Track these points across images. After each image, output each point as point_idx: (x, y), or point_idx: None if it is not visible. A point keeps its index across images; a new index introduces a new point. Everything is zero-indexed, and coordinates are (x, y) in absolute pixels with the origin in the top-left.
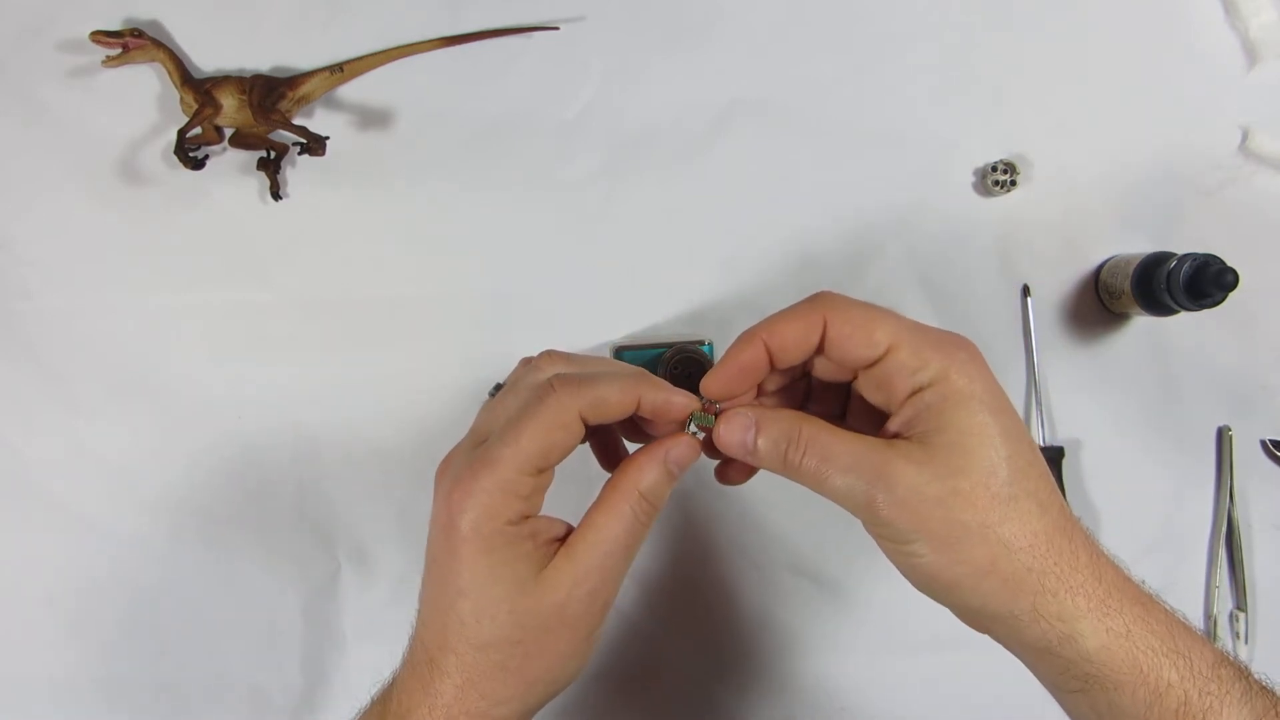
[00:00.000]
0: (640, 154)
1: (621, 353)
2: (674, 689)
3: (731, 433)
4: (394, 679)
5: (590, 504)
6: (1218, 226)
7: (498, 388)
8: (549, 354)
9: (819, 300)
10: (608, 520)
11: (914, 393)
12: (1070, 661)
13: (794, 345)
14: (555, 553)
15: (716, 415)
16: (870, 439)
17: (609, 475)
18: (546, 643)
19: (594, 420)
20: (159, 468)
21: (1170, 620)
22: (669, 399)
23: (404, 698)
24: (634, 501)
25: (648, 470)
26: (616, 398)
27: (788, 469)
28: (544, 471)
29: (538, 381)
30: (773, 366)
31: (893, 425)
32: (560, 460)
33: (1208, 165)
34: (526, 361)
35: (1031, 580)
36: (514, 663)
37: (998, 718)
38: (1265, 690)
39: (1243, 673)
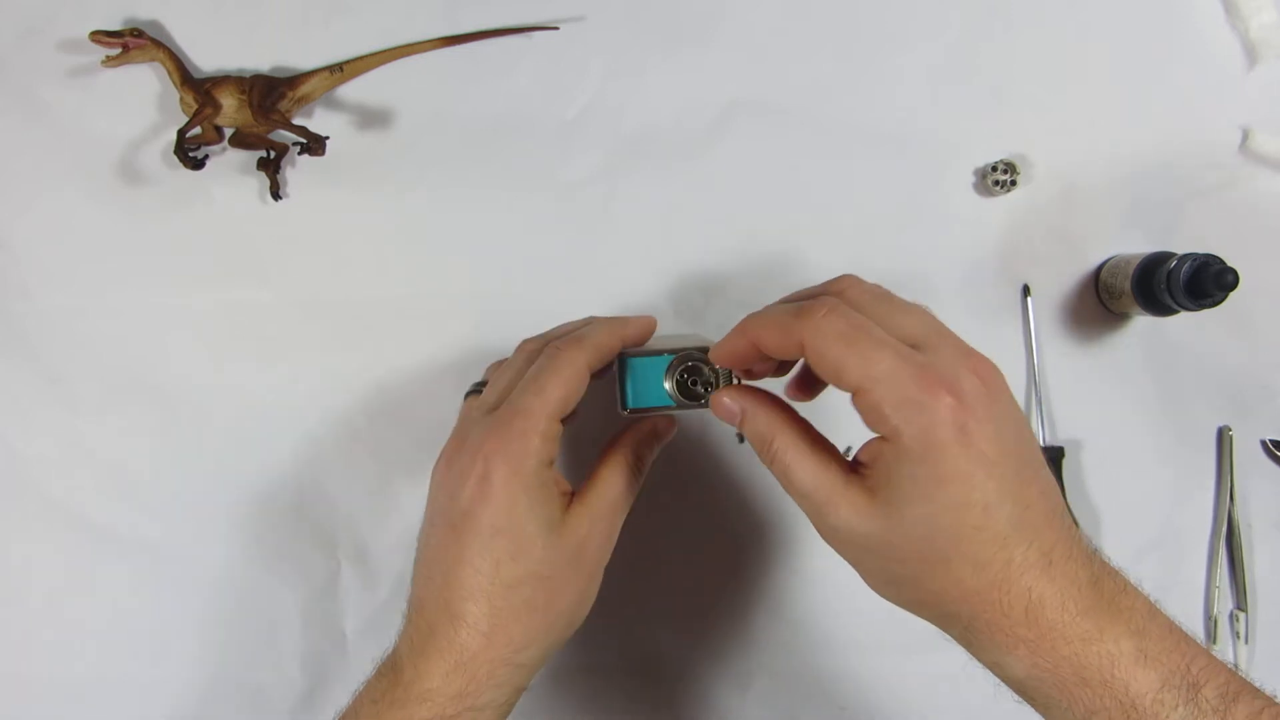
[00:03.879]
0: (640, 154)
1: (627, 360)
2: (673, 687)
3: (720, 408)
4: (399, 651)
5: (588, 470)
6: (1218, 226)
7: (475, 388)
8: (525, 341)
9: (806, 319)
10: (612, 474)
11: (879, 437)
12: (1003, 679)
13: (776, 351)
14: (569, 502)
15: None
16: (833, 470)
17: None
18: (570, 579)
19: (597, 367)
20: (159, 468)
21: (1115, 652)
22: (640, 329)
23: (420, 662)
24: (630, 460)
25: (639, 437)
26: (608, 341)
27: (761, 460)
28: (559, 422)
29: (537, 349)
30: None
31: (860, 455)
32: (571, 409)
33: (1208, 165)
34: (498, 364)
35: (959, 622)
36: (541, 599)
37: (997, 718)
38: (1220, 704)
39: (1191, 694)
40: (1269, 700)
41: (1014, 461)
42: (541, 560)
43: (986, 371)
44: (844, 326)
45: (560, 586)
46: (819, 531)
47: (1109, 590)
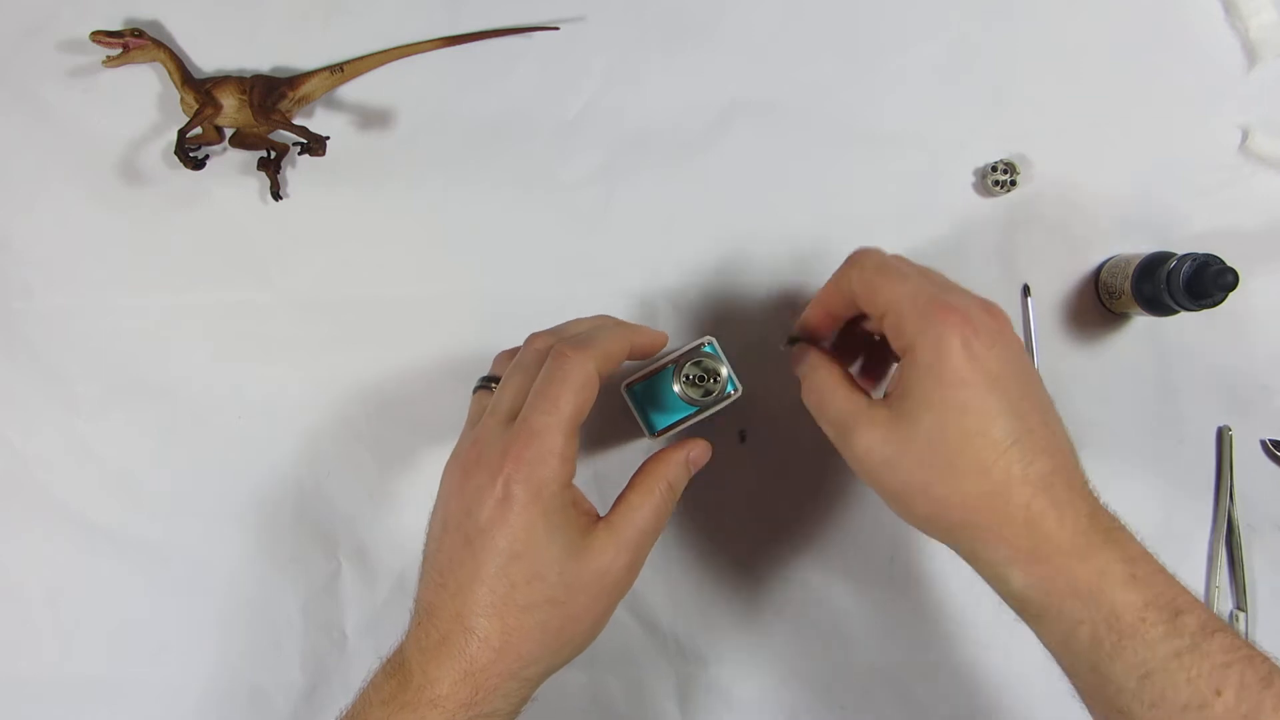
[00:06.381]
0: (640, 154)
1: (634, 388)
2: (672, 684)
3: (794, 363)
4: (406, 653)
5: (619, 494)
6: (1218, 226)
7: (484, 382)
8: (533, 335)
9: (850, 261)
10: (643, 502)
11: (901, 355)
12: (1004, 595)
13: (842, 307)
14: (593, 525)
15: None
16: (856, 398)
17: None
18: (585, 605)
19: (604, 372)
20: (159, 467)
21: (1106, 570)
22: (652, 340)
23: (430, 668)
24: (664, 488)
25: (673, 464)
26: (616, 347)
27: (803, 398)
28: (576, 434)
29: (543, 354)
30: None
31: (888, 386)
32: (584, 418)
33: (1208, 165)
34: (507, 354)
35: (966, 532)
36: (554, 624)
37: (998, 717)
38: (1199, 633)
39: (1171, 616)
40: (1246, 643)
41: (1017, 385)
42: (557, 585)
43: (997, 312)
44: (879, 259)
45: (576, 612)
46: (847, 458)
47: (1105, 524)
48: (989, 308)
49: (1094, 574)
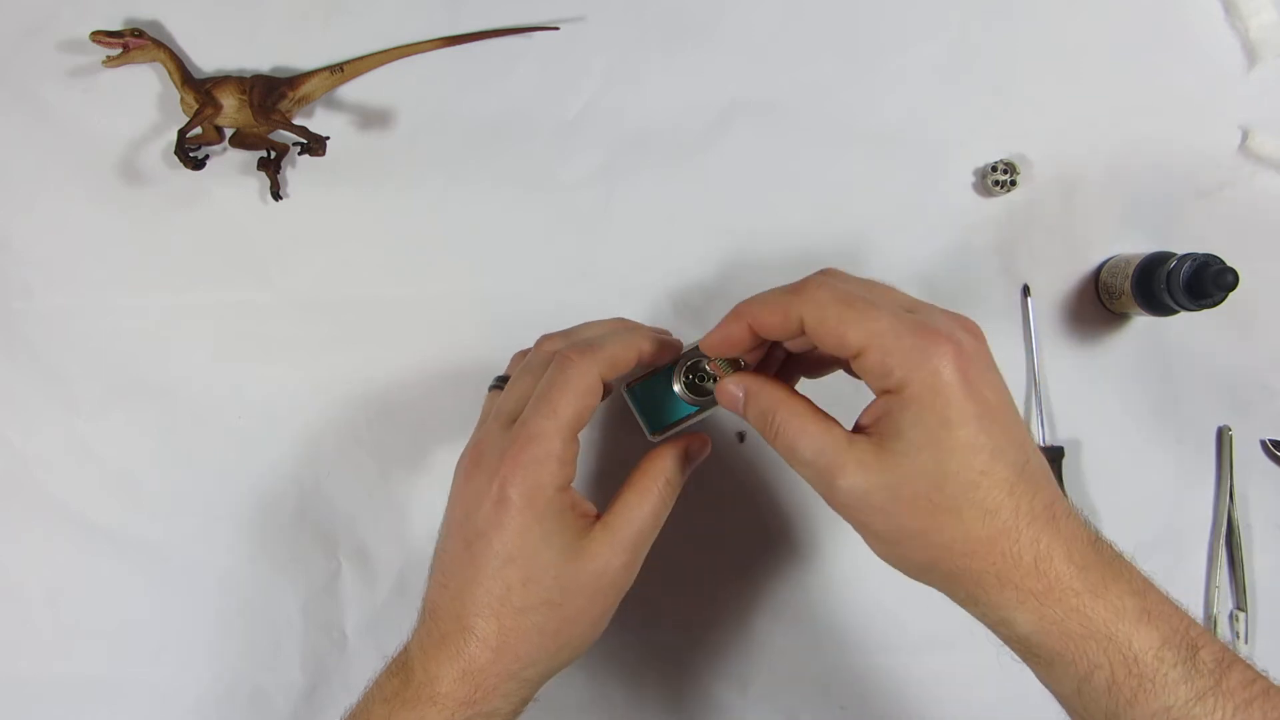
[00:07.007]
0: (640, 154)
1: (634, 388)
2: (674, 686)
3: (724, 395)
4: (410, 652)
5: (616, 492)
6: (1218, 226)
7: (498, 382)
8: (545, 337)
9: (800, 294)
10: (640, 500)
11: (883, 393)
12: (1007, 639)
13: (774, 331)
14: (590, 526)
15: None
16: (836, 433)
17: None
18: (581, 607)
19: (610, 378)
20: (159, 467)
21: (1120, 607)
22: (661, 350)
23: (431, 666)
24: (661, 485)
25: (671, 460)
26: (624, 354)
27: (766, 439)
28: (577, 439)
29: (551, 357)
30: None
31: (863, 419)
32: (586, 424)
33: (1208, 165)
34: (521, 354)
35: (969, 577)
36: (551, 625)
37: (997, 718)
38: (1216, 669)
39: (1189, 654)
40: (1259, 674)
41: (1010, 413)
42: (553, 588)
43: (974, 329)
44: (840, 292)
45: (573, 614)
46: (827, 499)
47: (1107, 552)
48: (968, 326)
49: (1109, 611)
